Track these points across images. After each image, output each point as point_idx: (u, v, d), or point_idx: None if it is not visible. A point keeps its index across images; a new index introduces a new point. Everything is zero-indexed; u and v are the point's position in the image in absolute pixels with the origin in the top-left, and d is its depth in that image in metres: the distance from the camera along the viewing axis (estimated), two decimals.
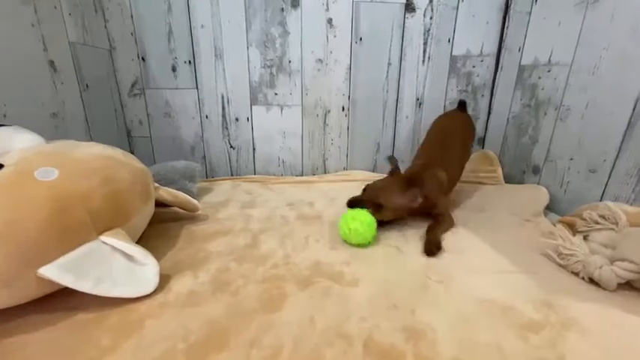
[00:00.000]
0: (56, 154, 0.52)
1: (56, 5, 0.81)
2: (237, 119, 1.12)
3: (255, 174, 1.19)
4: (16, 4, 0.70)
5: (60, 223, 0.45)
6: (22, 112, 0.70)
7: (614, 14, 0.74)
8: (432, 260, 0.63)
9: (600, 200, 0.77)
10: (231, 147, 1.16)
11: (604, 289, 0.54)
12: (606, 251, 0.58)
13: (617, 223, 0.63)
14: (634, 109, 0.70)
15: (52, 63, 0.79)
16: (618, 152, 0.74)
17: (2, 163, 0.46)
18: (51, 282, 0.44)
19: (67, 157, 0.52)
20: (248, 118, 1.12)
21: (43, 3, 0.77)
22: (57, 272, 0.44)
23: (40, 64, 0.76)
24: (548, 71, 0.92)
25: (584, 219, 0.69)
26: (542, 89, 0.95)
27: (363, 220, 0.66)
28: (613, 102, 0.75)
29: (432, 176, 0.78)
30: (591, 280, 0.56)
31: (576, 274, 0.58)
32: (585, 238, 0.65)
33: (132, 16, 1.00)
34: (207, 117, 1.11)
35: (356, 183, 1.10)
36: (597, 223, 0.66)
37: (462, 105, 1.01)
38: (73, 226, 0.47)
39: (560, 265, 0.61)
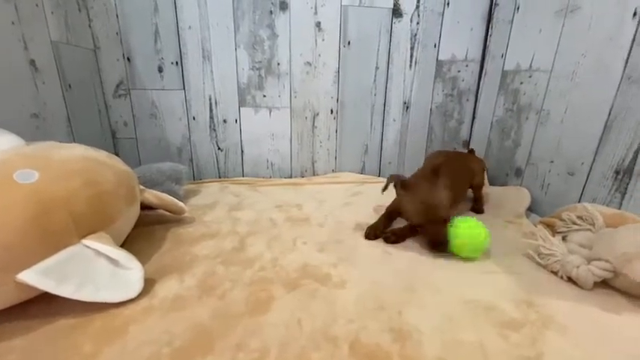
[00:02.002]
0: (36, 156, 0.51)
1: (38, 3, 0.79)
2: (225, 121, 1.12)
3: (243, 176, 1.18)
4: None
5: (40, 227, 0.44)
6: (0, 113, 0.68)
7: (592, 23, 0.77)
8: (417, 262, 0.64)
9: (579, 202, 0.80)
10: (219, 149, 1.15)
11: (581, 287, 0.56)
12: (583, 251, 0.61)
13: (594, 224, 0.66)
14: (609, 114, 0.73)
15: (32, 62, 0.77)
16: (595, 155, 0.77)
17: None
18: (31, 287, 0.43)
19: (47, 159, 0.51)
20: (236, 120, 1.12)
21: (25, 1, 0.75)
22: (37, 277, 0.43)
23: (20, 63, 0.74)
24: (530, 77, 0.95)
25: (564, 220, 0.71)
26: (524, 94, 0.98)
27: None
28: (590, 107, 0.78)
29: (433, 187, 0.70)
30: (570, 279, 0.58)
31: (555, 273, 0.60)
32: (564, 238, 0.67)
33: (117, 16, 0.98)
34: (194, 118, 1.10)
35: (344, 185, 1.11)
36: (575, 223, 0.68)
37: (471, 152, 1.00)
38: (54, 230, 0.46)
39: (540, 265, 0.63)
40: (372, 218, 0.84)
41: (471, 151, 1.01)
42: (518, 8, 0.98)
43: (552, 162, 0.88)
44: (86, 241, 0.49)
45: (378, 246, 0.70)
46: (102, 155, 0.62)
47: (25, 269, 0.43)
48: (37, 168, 0.48)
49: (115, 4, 0.97)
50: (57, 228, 0.46)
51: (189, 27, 1.01)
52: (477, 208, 0.91)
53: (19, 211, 0.43)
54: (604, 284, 0.56)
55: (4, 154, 0.49)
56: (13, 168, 0.46)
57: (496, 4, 1.06)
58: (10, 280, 0.42)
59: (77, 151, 0.57)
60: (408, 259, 0.65)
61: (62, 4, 0.87)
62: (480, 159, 0.98)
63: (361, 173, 1.22)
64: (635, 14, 0.68)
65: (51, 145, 0.56)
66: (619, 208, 0.71)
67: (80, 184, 0.51)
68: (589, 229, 0.65)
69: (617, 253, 0.54)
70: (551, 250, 0.62)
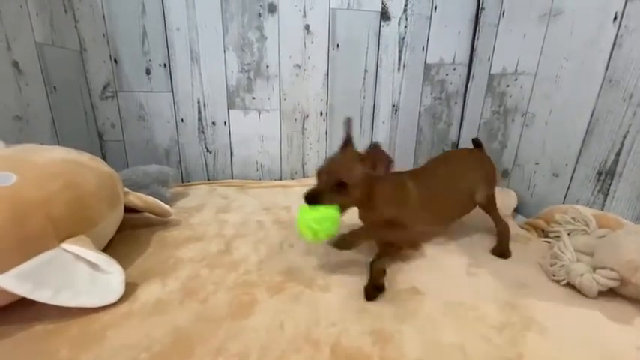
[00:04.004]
0: (15, 159, 0.50)
1: (22, 5, 0.78)
2: (213, 123, 1.11)
3: (232, 178, 1.18)
4: None
5: (17, 231, 0.44)
6: None
7: (573, 27, 0.78)
8: (403, 263, 0.64)
9: (563, 203, 0.81)
10: (207, 151, 1.14)
11: (585, 296, 0.55)
12: (586, 258, 0.58)
13: (587, 225, 0.66)
14: (591, 117, 0.74)
15: (16, 64, 0.76)
16: (578, 157, 0.78)
17: None
18: (7, 292, 0.42)
19: (26, 162, 0.50)
20: (225, 122, 1.11)
21: (8, 2, 0.74)
22: (13, 282, 0.42)
23: (2, 64, 0.73)
24: (515, 80, 0.96)
25: (556, 221, 0.71)
26: (510, 97, 0.99)
27: (331, 216, 0.54)
28: (573, 110, 0.79)
29: (396, 176, 0.65)
30: (568, 284, 0.57)
31: (557, 280, 0.58)
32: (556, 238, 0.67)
33: (104, 17, 0.98)
34: (182, 121, 1.10)
35: None
36: (569, 223, 0.68)
37: (477, 144, 0.79)
38: (32, 234, 0.45)
39: (542, 269, 0.62)
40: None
41: (477, 144, 0.78)
42: (503, 13, 1.00)
43: (537, 164, 0.89)
44: (65, 245, 0.48)
45: (362, 250, 0.70)
46: (84, 157, 0.61)
47: (1, 273, 0.42)
48: (16, 171, 0.47)
49: (102, 6, 0.97)
50: (35, 231, 0.45)
51: (178, 29, 1.01)
52: (499, 248, 0.68)
53: None
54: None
55: None
56: None
57: (482, 9, 1.07)
58: None
59: (58, 153, 0.56)
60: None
61: (47, 6, 0.86)
62: (485, 161, 0.75)
63: None
64: (615, 18, 0.69)
65: (31, 148, 0.56)
66: (601, 209, 0.72)
67: (59, 187, 0.50)
68: (584, 230, 0.65)
69: (622, 260, 0.51)
70: (562, 253, 0.59)
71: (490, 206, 0.73)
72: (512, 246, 0.70)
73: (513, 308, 0.52)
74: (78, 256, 0.49)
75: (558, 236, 0.67)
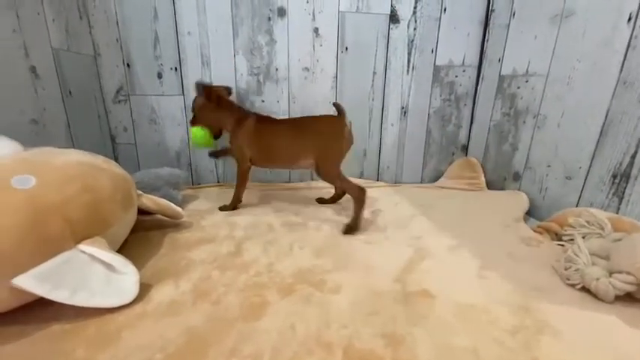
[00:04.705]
0: (34, 162, 0.51)
1: (39, 11, 0.80)
2: None
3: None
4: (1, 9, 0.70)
5: (36, 232, 0.45)
6: (0, 119, 0.69)
7: (586, 28, 0.77)
8: (414, 266, 0.64)
9: (576, 206, 0.80)
10: None
11: (601, 300, 0.54)
12: (602, 262, 0.57)
13: (603, 229, 0.65)
14: (605, 118, 0.73)
15: (33, 69, 0.78)
16: (592, 160, 0.77)
17: None
18: (26, 292, 0.43)
19: (45, 165, 0.51)
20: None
21: (26, 9, 0.76)
22: (32, 282, 0.43)
23: (20, 70, 0.75)
24: (526, 81, 0.95)
25: (570, 225, 0.70)
26: (521, 98, 0.98)
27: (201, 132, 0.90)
28: (586, 111, 0.78)
29: (239, 108, 0.92)
30: (583, 288, 0.56)
31: (572, 284, 0.57)
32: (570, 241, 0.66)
33: (117, 23, 1.00)
34: None
35: None
36: (583, 227, 0.67)
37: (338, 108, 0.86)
38: (50, 235, 0.46)
39: (556, 272, 0.61)
40: (369, 223, 0.84)
41: (338, 110, 0.85)
42: (514, 14, 0.99)
43: (550, 166, 0.88)
44: (82, 246, 0.49)
45: (374, 251, 0.70)
46: (98, 160, 0.62)
47: (21, 274, 0.43)
48: (35, 174, 0.48)
49: (116, 12, 0.99)
50: (53, 233, 0.46)
51: (189, 33, 1.02)
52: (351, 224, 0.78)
53: (15, 217, 0.43)
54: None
55: (2, 159, 0.49)
56: (10, 173, 0.47)
57: (492, 10, 1.07)
58: (5, 285, 0.42)
59: (74, 156, 0.57)
60: (404, 262, 0.65)
61: (63, 12, 0.89)
62: (335, 122, 0.83)
63: (360, 177, 1.22)
64: (629, 19, 0.68)
65: (48, 151, 0.57)
66: (616, 212, 0.71)
67: (76, 190, 0.51)
68: (599, 234, 0.64)
69: (638, 264, 0.51)
70: (577, 257, 0.58)
71: (325, 174, 0.83)
72: (525, 249, 0.69)
73: (527, 312, 0.51)
74: (94, 257, 0.50)
75: (572, 239, 0.66)
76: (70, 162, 0.55)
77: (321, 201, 1.00)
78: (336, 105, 0.85)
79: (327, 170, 0.82)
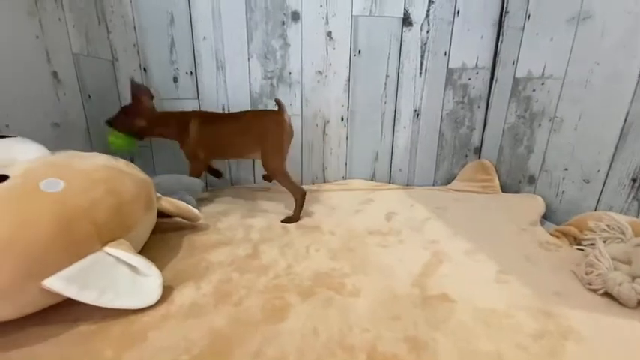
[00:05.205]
0: (61, 166, 0.52)
1: (61, 17, 0.82)
2: None
3: (254, 183, 1.20)
4: (23, 16, 0.71)
5: (65, 235, 0.46)
6: (24, 123, 0.71)
7: (604, 30, 0.77)
8: (432, 270, 0.64)
9: (595, 210, 0.79)
10: None
11: (624, 305, 0.53)
12: (623, 267, 0.57)
13: (624, 233, 0.64)
14: (625, 121, 0.73)
15: (55, 74, 0.80)
16: (611, 163, 0.76)
17: (8, 174, 0.46)
18: (55, 293, 0.44)
19: (72, 169, 0.53)
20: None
21: (48, 15, 0.78)
22: (62, 283, 0.44)
23: (43, 74, 0.77)
24: (542, 84, 0.95)
25: (590, 229, 0.70)
26: (536, 101, 0.97)
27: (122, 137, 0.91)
28: (605, 114, 0.77)
29: (182, 115, 0.93)
30: (606, 294, 0.55)
31: (594, 290, 0.56)
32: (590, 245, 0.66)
33: (135, 28, 1.02)
34: None
35: (355, 192, 1.12)
36: (604, 231, 0.67)
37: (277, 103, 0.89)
38: (79, 238, 0.47)
39: (577, 277, 0.61)
40: (383, 226, 0.84)
41: (278, 105, 0.88)
42: (529, 16, 0.98)
43: (567, 169, 0.88)
44: (108, 249, 0.50)
45: (391, 254, 0.70)
46: (121, 164, 0.63)
47: (50, 276, 0.44)
48: (62, 177, 0.50)
49: (133, 17, 1.01)
50: (81, 235, 0.47)
51: (204, 38, 1.04)
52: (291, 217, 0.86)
53: (45, 220, 0.44)
54: None
55: (31, 163, 0.50)
56: (39, 177, 0.48)
57: (507, 12, 1.06)
58: (36, 286, 0.43)
59: (99, 160, 0.59)
60: (421, 266, 0.65)
61: (83, 18, 0.91)
62: (270, 125, 0.86)
63: (372, 180, 1.23)
64: None
65: (74, 155, 0.58)
66: (636, 217, 0.70)
67: (102, 193, 0.52)
68: (619, 238, 0.63)
69: None
70: (599, 261, 0.58)
71: (270, 170, 0.89)
72: (543, 254, 0.69)
73: (549, 317, 0.51)
74: (118, 259, 0.51)
75: (592, 244, 0.66)
76: (95, 166, 0.56)
77: (266, 178, 1.02)
78: (276, 100, 0.89)
79: (270, 163, 0.88)
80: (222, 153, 0.95)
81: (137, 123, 0.91)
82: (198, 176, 0.95)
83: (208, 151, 0.93)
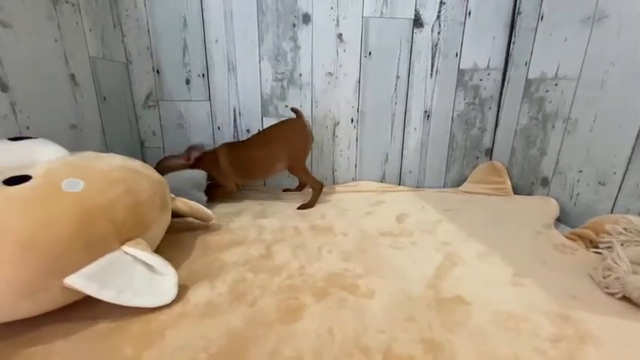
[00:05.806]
0: (81, 166, 0.53)
1: (78, 21, 0.84)
2: (248, 130, 1.14)
3: (264, 184, 1.20)
4: (42, 19, 0.73)
5: (86, 234, 0.47)
6: (43, 124, 0.73)
7: (621, 30, 0.76)
8: (446, 272, 0.64)
9: (611, 212, 0.78)
10: None
11: None
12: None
13: None
14: None
15: (72, 77, 0.82)
16: (628, 165, 0.75)
17: (30, 174, 0.48)
18: (75, 291, 0.45)
19: (91, 169, 0.54)
20: (259, 130, 1.14)
21: (66, 19, 0.80)
22: (82, 281, 0.45)
23: (61, 77, 0.79)
24: (556, 85, 0.94)
25: (607, 232, 0.69)
26: (550, 102, 0.96)
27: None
28: (621, 115, 0.76)
29: (212, 154, 0.98)
30: (624, 298, 0.54)
31: (612, 294, 0.56)
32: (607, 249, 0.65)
33: (148, 31, 1.03)
34: (219, 128, 1.14)
35: (366, 194, 1.12)
36: (621, 234, 0.65)
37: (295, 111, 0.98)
38: (98, 236, 0.48)
39: (594, 280, 0.60)
40: (395, 227, 0.84)
41: (296, 113, 0.96)
42: (542, 17, 0.98)
43: (581, 171, 0.86)
44: (125, 248, 0.51)
45: (403, 256, 0.70)
46: (137, 164, 0.64)
47: (71, 274, 0.45)
48: (82, 177, 0.51)
49: (147, 21, 1.02)
50: (100, 234, 0.48)
51: (216, 41, 1.05)
52: (308, 203, 0.97)
53: (66, 219, 0.45)
54: None
55: (52, 163, 0.52)
56: (60, 177, 0.49)
57: (519, 13, 1.06)
58: (57, 284, 0.44)
59: (116, 161, 0.60)
60: (435, 268, 0.65)
61: (99, 22, 0.92)
62: (293, 131, 0.95)
63: (381, 182, 1.22)
64: None
65: (92, 156, 0.59)
66: None
67: (120, 193, 0.53)
68: (637, 241, 0.62)
69: None
70: (617, 265, 0.57)
71: (295, 171, 0.98)
72: (558, 257, 0.68)
73: (566, 320, 0.50)
74: (136, 259, 0.52)
75: (610, 247, 0.65)
76: (113, 166, 0.57)
77: (286, 190, 1.13)
78: (293, 109, 0.97)
79: (297, 167, 0.97)
80: (252, 175, 0.99)
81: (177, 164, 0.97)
82: (227, 196, 1.02)
83: (242, 175, 0.98)
